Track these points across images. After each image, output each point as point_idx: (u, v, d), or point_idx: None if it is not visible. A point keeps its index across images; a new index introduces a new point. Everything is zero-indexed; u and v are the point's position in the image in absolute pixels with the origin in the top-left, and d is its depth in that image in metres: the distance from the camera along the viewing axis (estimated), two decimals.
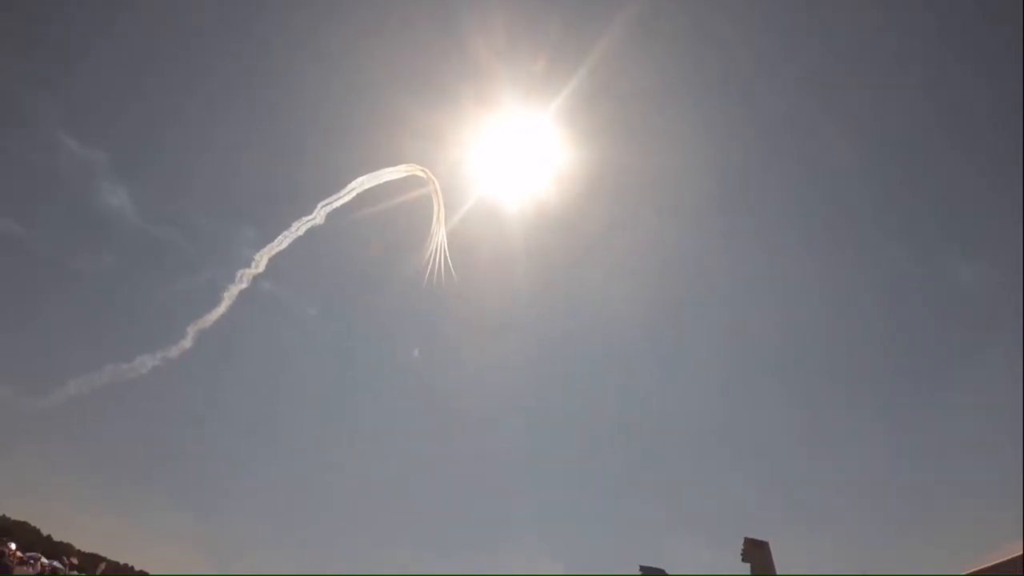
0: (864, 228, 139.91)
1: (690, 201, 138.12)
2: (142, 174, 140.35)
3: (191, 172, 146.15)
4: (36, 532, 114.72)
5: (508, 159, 75.47)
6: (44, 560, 40.81)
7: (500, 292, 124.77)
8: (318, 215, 55.98)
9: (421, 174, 54.75)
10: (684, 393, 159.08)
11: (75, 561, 64.00)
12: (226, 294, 62.20)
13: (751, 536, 25.03)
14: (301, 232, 56.69)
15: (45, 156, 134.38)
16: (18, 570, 26.32)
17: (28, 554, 41.71)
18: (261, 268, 59.44)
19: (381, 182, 55.15)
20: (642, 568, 31.93)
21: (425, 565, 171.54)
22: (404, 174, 54.30)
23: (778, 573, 25.23)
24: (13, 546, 39.57)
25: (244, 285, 60.17)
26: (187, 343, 61.68)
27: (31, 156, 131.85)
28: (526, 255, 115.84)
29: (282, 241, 57.42)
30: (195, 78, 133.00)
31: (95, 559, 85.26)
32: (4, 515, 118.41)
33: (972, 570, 48.81)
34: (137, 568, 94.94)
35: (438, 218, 56.72)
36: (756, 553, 24.65)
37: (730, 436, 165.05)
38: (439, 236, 58.22)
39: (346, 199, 55.59)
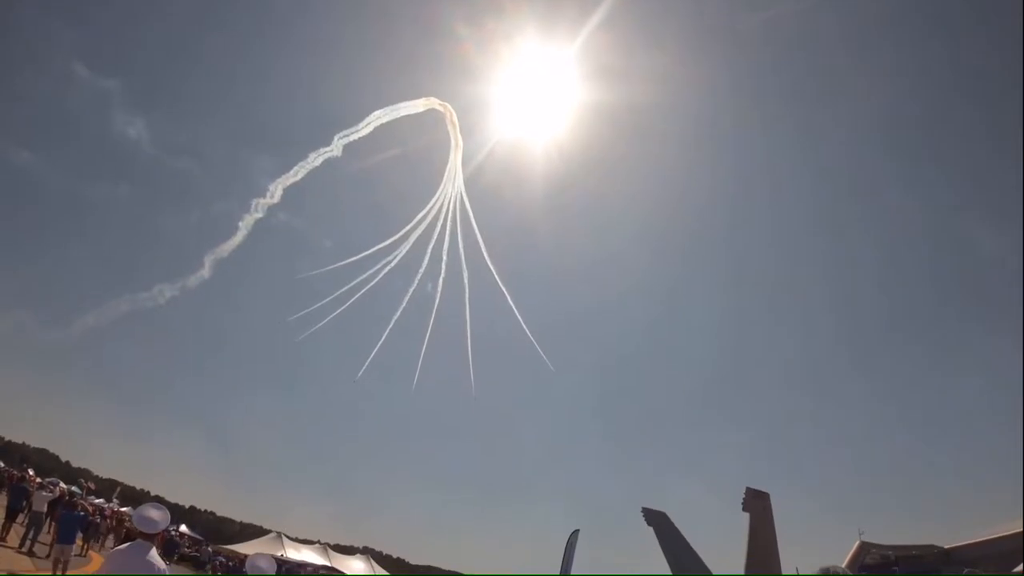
0: (879, 173, 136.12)
1: (716, 140, 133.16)
2: (158, 104, 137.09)
3: (207, 102, 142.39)
4: (55, 459, 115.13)
5: (531, 98, 72.17)
6: (63, 485, 39.25)
7: (519, 231, 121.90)
8: (335, 146, 53.91)
9: (440, 108, 52.90)
10: (693, 341, 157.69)
11: (92, 486, 63.02)
12: (242, 224, 60.03)
13: (752, 486, 23.99)
14: (318, 163, 54.74)
15: (58, 86, 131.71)
16: (37, 495, 24.57)
17: (47, 480, 40.14)
18: (276, 199, 57.54)
19: (400, 115, 52.69)
20: (644, 510, 31.03)
21: (424, 497, 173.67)
22: (423, 108, 52.40)
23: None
24: (32, 472, 38.23)
25: (260, 215, 58.65)
26: (205, 272, 60.07)
27: (44, 86, 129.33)
28: (546, 197, 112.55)
29: (298, 172, 55.56)
30: (213, 5, 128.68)
31: (112, 484, 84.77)
32: (24, 442, 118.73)
33: (971, 541, 47.69)
34: (153, 493, 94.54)
35: (456, 149, 55.75)
36: (756, 503, 23.69)
37: (735, 384, 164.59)
38: (456, 170, 57.00)
39: (364, 132, 53.16)
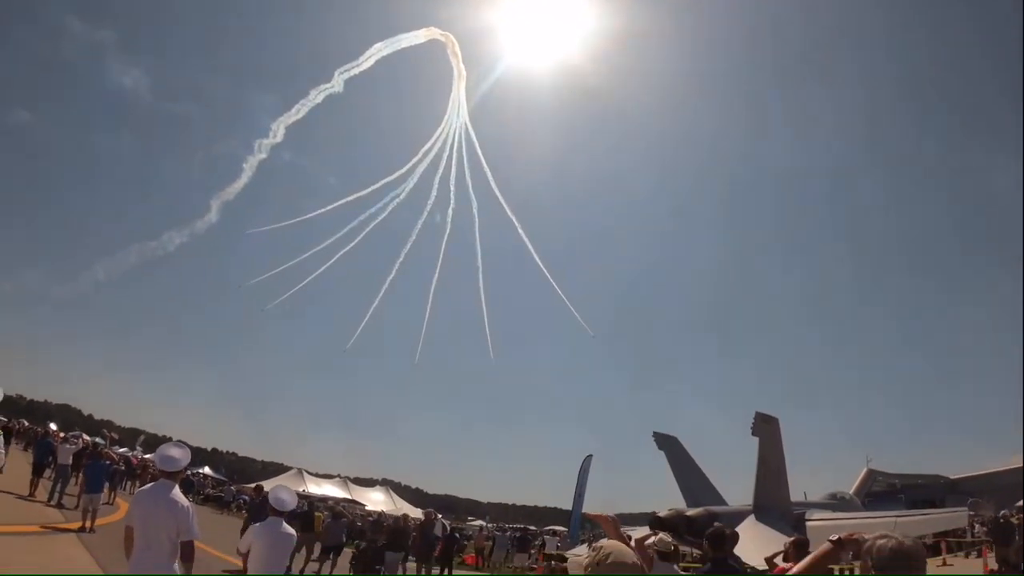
0: (891, 107, 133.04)
1: (728, 67, 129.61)
2: (153, 50, 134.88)
3: (204, 44, 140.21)
4: (78, 413, 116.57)
5: (535, 25, 70.04)
6: (86, 437, 39.62)
7: (526, 159, 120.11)
8: (336, 82, 53.18)
9: (441, 38, 51.63)
10: (703, 265, 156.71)
11: (116, 436, 63.85)
12: (246, 165, 59.51)
13: (762, 411, 24.15)
14: (319, 100, 54.04)
15: (52, 42, 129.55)
16: (62, 449, 24.72)
17: (70, 433, 40.51)
18: (279, 138, 57.09)
19: (401, 47, 51.54)
20: (655, 435, 31.14)
21: (439, 428, 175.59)
22: (424, 39, 51.16)
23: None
24: (54, 426, 38.52)
25: (263, 156, 58.14)
26: (212, 216, 59.78)
27: (37, 43, 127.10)
28: (553, 124, 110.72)
29: (299, 110, 54.87)
30: None
31: (135, 432, 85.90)
32: (46, 400, 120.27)
33: (974, 473, 48.06)
34: (176, 438, 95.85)
35: (459, 80, 54.77)
36: (766, 428, 24.35)
37: (746, 310, 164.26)
38: (460, 101, 56.16)
39: (365, 66, 52.26)
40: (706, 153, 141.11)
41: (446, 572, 25.98)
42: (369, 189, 57.66)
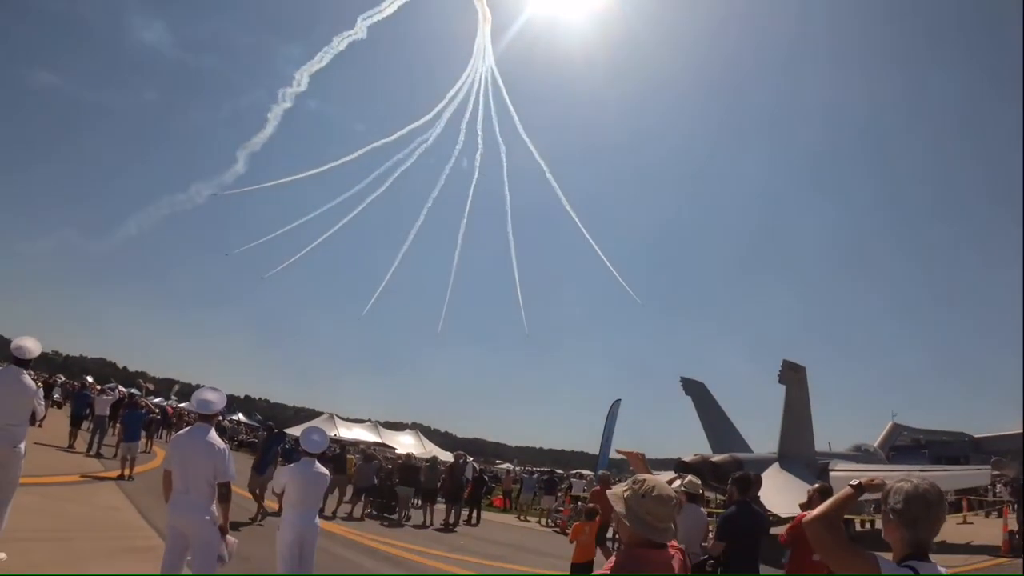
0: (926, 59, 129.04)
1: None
2: (173, 3, 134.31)
3: None
4: (113, 366, 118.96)
5: None
6: (122, 388, 40.41)
7: (554, 103, 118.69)
8: (359, 29, 51.91)
9: None
10: (734, 211, 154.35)
11: (151, 386, 65.05)
12: (271, 115, 59.24)
13: (789, 359, 23.92)
14: (342, 47, 53.03)
15: (71, 2, 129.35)
16: (99, 400, 25.30)
17: (106, 385, 41.31)
18: (303, 86, 56.49)
19: None
20: (683, 380, 31.05)
21: (477, 372, 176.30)
22: None
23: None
24: (91, 379, 39.23)
25: (288, 104, 57.80)
26: (239, 167, 59.81)
27: (55, 3, 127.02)
28: (581, 67, 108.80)
29: (323, 58, 54.13)
30: None
31: (169, 383, 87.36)
32: (81, 354, 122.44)
33: (999, 433, 47.30)
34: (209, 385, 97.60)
35: (484, 23, 53.94)
36: (792, 376, 24.31)
37: (776, 258, 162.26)
38: (486, 45, 54.77)
39: (388, 12, 50.92)
40: (739, 99, 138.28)
41: (475, 513, 26.42)
42: (395, 135, 57.45)
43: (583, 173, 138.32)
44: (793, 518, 10.12)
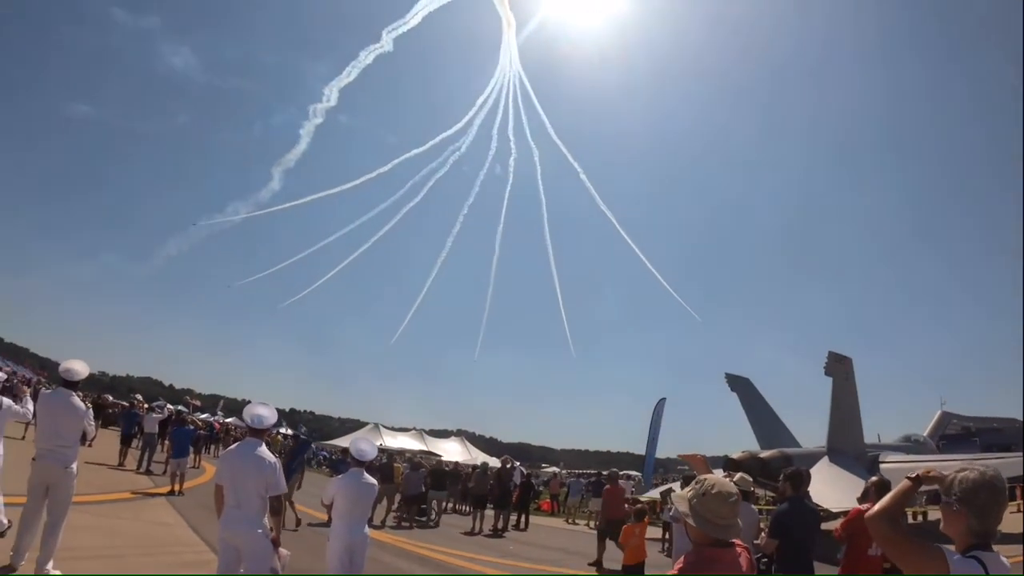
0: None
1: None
2: (199, 29, 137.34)
3: (248, 16, 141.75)
4: (159, 384, 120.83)
5: None
6: (169, 406, 40.88)
7: (582, 101, 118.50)
8: (385, 41, 53.42)
9: None
10: (773, 204, 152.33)
11: (198, 403, 65.84)
12: (303, 131, 60.57)
13: (835, 351, 23.45)
14: (370, 61, 54.54)
15: (100, 34, 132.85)
16: (147, 418, 25.70)
17: (154, 403, 41.86)
18: (333, 101, 58.19)
19: (448, 1, 51.07)
20: (728, 376, 30.59)
21: (520, 375, 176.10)
22: None
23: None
24: (139, 397, 39.72)
25: (319, 120, 58.98)
26: (275, 184, 60.85)
27: (87, 38, 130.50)
28: (606, 62, 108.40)
29: (351, 72, 55.63)
30: None
31: (215, 399, 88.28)
32: (128, 374, 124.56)
33: None
34: (254, 400, 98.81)
35: (508, 28, 54.25)
36: (839, 368, 23.95)
37: (819, 249, 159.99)
38: (512, 49, 55.96)
39: (413, 23, 52.13)
40: (774, 87, 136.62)
41: (523, 518, 26.37)
42: (428, 145, 57.89)
43: (614, 171, 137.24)
44: (845, 512, 9.93)
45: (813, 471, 12.70)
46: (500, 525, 24.07)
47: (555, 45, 79.26)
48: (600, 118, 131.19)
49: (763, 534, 9.06)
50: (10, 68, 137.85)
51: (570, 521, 31.95)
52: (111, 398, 52.69)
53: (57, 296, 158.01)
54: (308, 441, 22.57)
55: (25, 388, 38.28)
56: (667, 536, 20.67)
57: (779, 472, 9.57)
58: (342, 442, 53.44)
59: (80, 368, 9.03)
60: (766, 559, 8.29)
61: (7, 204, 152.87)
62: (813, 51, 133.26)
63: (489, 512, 24.63)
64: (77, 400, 8.99)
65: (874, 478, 8.89)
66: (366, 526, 8.69)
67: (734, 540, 3.64)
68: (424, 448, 54.52)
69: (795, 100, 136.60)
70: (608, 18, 79.50)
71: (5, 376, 13.70)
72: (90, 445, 17.33)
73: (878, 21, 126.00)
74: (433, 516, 24.73)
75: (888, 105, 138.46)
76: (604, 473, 32.69)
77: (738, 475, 9.70)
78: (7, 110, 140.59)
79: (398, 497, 23.78)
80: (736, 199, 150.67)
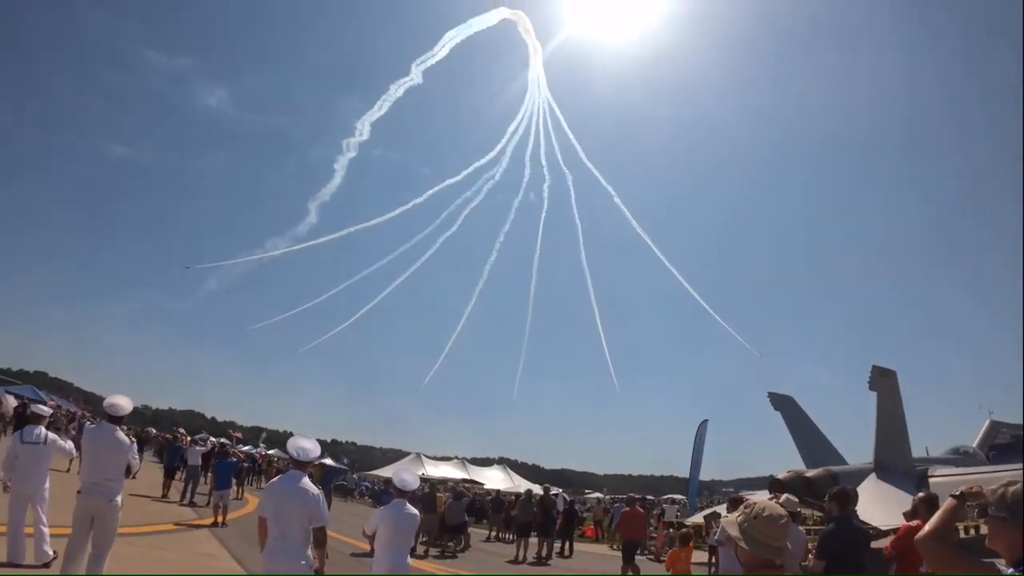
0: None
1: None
2: (233, 69, 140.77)
3: (279, 55, 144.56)
4: (201, 417, 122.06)
5: None
6: (212, 439, 41.31)
7: (611, 123, 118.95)
8: (414, 74, 54.44)
9: (512, 17, 51.57)
10: (804, 215, 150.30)
11: (240, 435, 66.32)
12: (337, 166, 61.76)
13: (879, 364, 22.93)
14: (400, 94, 55.61)
15: (134, 77, 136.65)
16: (190, 451, 25.99)
17: (197, 436, 42.39)
18: (366, 135, 59.23)
19: (473, 32, 52.03)
20: (770, 395, 30.15)
21: (560, 401, 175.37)
22: (496, 20, 51.27)
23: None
24: (182, 430, 40.15)
25: (353, 154, 60.13)
26: (312, 218, 61.83)
27: (122, 81, 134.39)
28: (631, 82, 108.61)
29: (382, 106, 56.68)
30: None
31: (257, 431, 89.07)
32: (170, 407, 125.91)
33: None
34: (296, 432, 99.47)
35: (535, 55, 55.01)
36: (883, 382, 23.29)
37: (854, 259, 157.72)
38: (540, 76, 56.70)
39: (441, 55, 53.18)
40: (802, 86, 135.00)
41: (567, 545, 26.13)
42: (462, 174, 58.39)
43: (645, 190, 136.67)
44: (894, 530, 9.65)
45: (860, 488, 12.42)
46: (544, 553, 23.87)
47: (578, 66, 79.76)
48: (628, 135, 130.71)
49: (811, 556, 8.85)
50: (48, 111, 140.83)
51: (614, 547, 31.50)
52: (154, 431, 53.54)
53: (100, 332, 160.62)
54: (334, 469, 22.63)
55: (68, 424, 39.03)
56: (713, 560, 20.35)
57: (825, 491, 9.41)
58: (384, 472, 53.46)
59: (124, 403, 9.20)
60: None
61: (50, 242, 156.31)
62: (843, 52, 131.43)
63: (533, 540, 24.41)
64: (121, 435, 9.12)
65: (921, 493, 8.72)
66: (408, 556, 8.65)
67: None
68: (466, 477, 54.32)
69: (821, 107, 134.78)
70: (629, 35, 79.81)
71: (51, 411, 13.95)
72: (134, 477, 17.53)
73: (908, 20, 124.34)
74: (462, 543, 24.41)
75: (916, 107, 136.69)
76: (649, 498, 32.36)
77: (784, 496, 9.49)
78: (47, 152, 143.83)
79: (441, 527, 23.69)
80: (769, 212, 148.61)
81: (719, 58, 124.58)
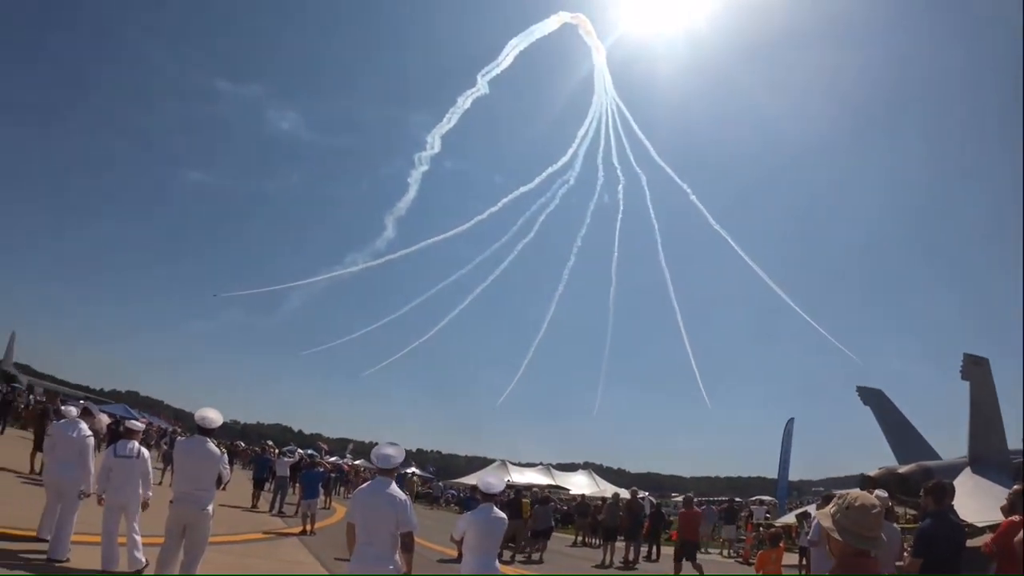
0: None
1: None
2: (302, 92, 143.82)
3: (346, 75, 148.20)
4: (289, 430, 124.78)
5: None
6: (300, 451, 42.02)
7: (680, 120, 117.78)
8: (480, 85, 54.71)
9: (572, 21, 51.58)
10: (888, 199, 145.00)
11: (326, 447, 67.38)
12: (411, 180, 62.95)
13: (971, 352, 21.87)
14: (468, 105, 55.96)
15: (206, 106, 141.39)
16: (279, 463, 26.70)
17: (285, 448, 43.17)
18: (437, 148, 60.09)
19: (535, 39, 52.34)
20: (859, 389, 29.29)
21: (644, 404, 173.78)
22: (557, 25, 51.47)
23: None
24: (271, 443, 40.94)
25: (425, 168, 61.08)
26: (389, 233, 62.92)
27: (194, 110, 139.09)
28: (696, 75, 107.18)
29: (451, 118, 57.11)
30: None
31: (343, 442, 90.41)
32: (259, 421, 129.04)
33: None
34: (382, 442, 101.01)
35: (598, 56, 54.85)
36: (976, 371, 22.29)
37: (943, 243, 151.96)
38: (604, 76, 56.43)
39: (505, 64, 53.43)
40: (878, 73, 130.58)
41: (655, 549, 25.81)
42: (536, 181, 58.48)
43: (723, 180, 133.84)
44: (991, 526, 9.19)
45: (956, 483, 11.91)
46: (631, 557, 23.67)
47: (637, 63, 79.34)
48: (695, 130, 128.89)
49: (906, 554, 8.46)
50: (125, 142, 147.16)
51: (702, 551, 31.03)
52: (244, 444, 54.80)
53: (187, 351, 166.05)
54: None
55: (159, 439, 40.28)
56: (804, 562, 19.85)
57: (919, 487, 9.08)
58: (469, 480, 53.67)
59: (214, 416, 9.41)
60: None
61: (138, 271, 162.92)
62: (934, 27, 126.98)
63: (620, 544, 24.15)
64: (212, 446, 9.33)
65: (1017, 486, 8.25)
66: (496, 561, 8.63)
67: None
68: (552, 482, 54.24)
69: (905, 85, 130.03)
70: (684, 25, 78.85)
71: (143, 426, 14.44)
72: (224, 489, 17.92)
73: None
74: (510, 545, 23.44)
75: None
76: (737, 500, 31.69)
77: (875, 492, 9.10)
78: (125, 180, 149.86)
79: (527, 532, 23.56)
80: (849, 199, 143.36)
81: (791, 43, 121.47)
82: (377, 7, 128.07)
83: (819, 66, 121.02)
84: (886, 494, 9.75)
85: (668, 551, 27.55)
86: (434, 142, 59.26)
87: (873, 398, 29.61)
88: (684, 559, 18.83)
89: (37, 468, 18.79)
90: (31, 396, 50.45)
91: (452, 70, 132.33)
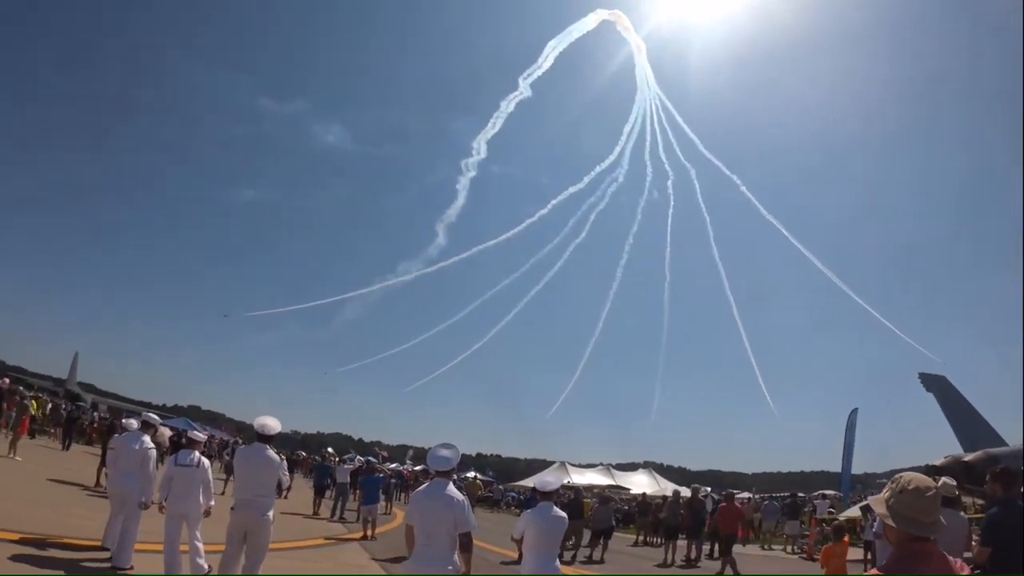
0: None
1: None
2: (345, 105, 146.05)
3: (388, 86, 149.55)
4: (349, 439, 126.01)
5: None
6: (359, 457, 42.46)
7: (724, 111, 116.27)
8: (523, 88, 55.27)
9: (610, 18, 51.49)
10: (941, 180, 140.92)
11: (386, 454, 67.99)
12: (459, 186, 64.86)
13: None
14: (511, 109, 56.77)
15: (252, 125, 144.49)
16: (339, 470, 27.13)
17: (345, 455, 43.77)
18: (483, 153, 61.13)
19: (574, 38, 52.75)
20: (921, 376, 28.58)
21: (702, 401, 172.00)
22: (595, 23, 51.50)
23: None
24: (331, 450, 41.50)
25: (473, 173, 61.79)
26: (441, 240, 63.52)
27: (241, 130, 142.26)
28: (736, 63, 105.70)
29: (495, 123, 58.26)
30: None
31: (403, 448, 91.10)
32: (319, 431, 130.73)
33: None
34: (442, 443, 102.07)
35: (639, 52, 54.71)
36: None
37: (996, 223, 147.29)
38: (646, 72, 56.49)
39: (546, 66, 53.77)
40: (924, 57, 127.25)
41: (717, 546, 25.52)
42: (585, 181, 58.37)
43: (771, 176, 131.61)
44: None
45: None
46: (693, 555, 23.41)
47: (674, 56, 78.71)
48: (741, 120, 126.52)
49: (975, 544, 8.16)
50: (176, 162, 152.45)
51: (766, 547, 30.60)
52: (304, 454, 55.50)
53: (246, 364, 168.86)
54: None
55: (221, 451, 40.96)
56: (869, 556, 19.40)
57: (986, 476, 8.71)
58: (528, 483, 53.65)
59: (273, 423, 9.47)
60: (979, 571, 7.40)
61: (192, 289, 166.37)
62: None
63: (681, 542, 23.90)
64: (271, 452, 9.40)
65: None
66: (557, 560, 8.61)
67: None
68: (612, 483, 53.99)
69: (955, 60, 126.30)
70: (719, 13, 78.05)
71: (205, 437, 14.74)
72: (286, 496, 18.18)
73: None
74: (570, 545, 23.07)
75: None
76: (800, 495, 31.15)
77: (941, 481, 8.80)
78: (172, 201, 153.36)
79: (588, 532, 23.44)
80: (907, 182, 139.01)
81: (832, 35, 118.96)
82: (413, 17, 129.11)
83: (871, 55, 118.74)
84: (954, 482, 9.46)
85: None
86: (480, 147, 59.79)
87: (936, 384, 29.04)
88: (720, 552, 19.51)
89: (103, 481, 19.20)
90: (95, 413, 51.79)
91: (493, 75, 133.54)
